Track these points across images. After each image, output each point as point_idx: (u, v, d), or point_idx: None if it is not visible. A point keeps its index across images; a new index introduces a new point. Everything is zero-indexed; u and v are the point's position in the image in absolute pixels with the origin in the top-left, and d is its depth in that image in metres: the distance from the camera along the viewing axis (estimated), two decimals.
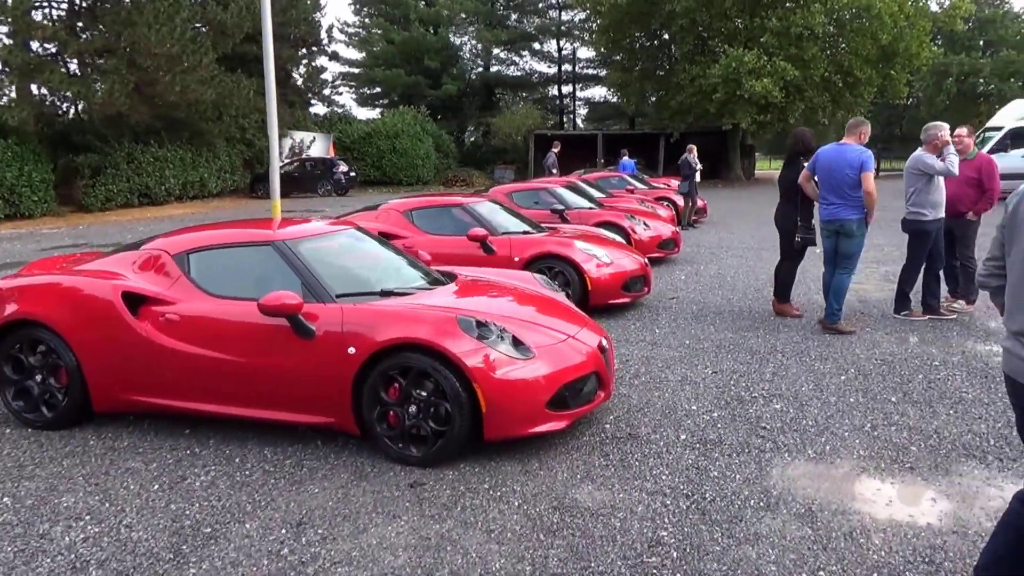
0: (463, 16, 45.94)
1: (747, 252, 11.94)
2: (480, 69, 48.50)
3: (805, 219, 6.87)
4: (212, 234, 4.58)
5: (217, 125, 27.89)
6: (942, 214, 6.73)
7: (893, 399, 4.78)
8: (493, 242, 7.43)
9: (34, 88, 22.49)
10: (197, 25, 27.17)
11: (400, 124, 36.50)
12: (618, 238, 8.94)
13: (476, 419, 3.82)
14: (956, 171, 6.50)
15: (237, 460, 4.04)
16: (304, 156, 33.12)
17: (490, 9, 46.23)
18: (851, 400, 4.78)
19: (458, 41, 47.16)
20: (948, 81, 43.04)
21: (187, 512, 3.45)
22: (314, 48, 37.36)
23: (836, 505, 3.37)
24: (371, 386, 3.91)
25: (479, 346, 3.80)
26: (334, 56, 41.89)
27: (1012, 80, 40.84)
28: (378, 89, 45.67)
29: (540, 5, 47.59)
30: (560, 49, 48.79)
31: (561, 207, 10.67)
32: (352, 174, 31.62)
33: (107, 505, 3.54)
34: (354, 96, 47.95)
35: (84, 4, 23.14)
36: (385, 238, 7.60)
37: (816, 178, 6.60)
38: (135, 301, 4.36)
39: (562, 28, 46.95)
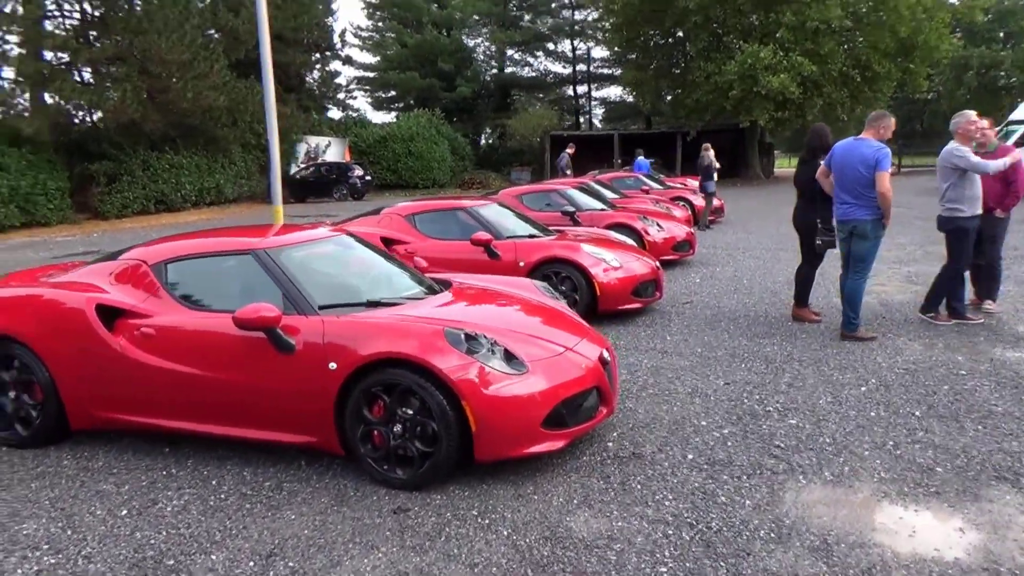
0: (476, 18, 45.83)
1: (765, 253, 11.59)
2: (494, 71, 48.33)
3: (825, 220, 6.54)
4: (192, 243, 4.36)
5: (232, 131, 27.88)
6: (979, 209, 6.34)
7: (917, 413, 4.46)
8: (497, 246, 7.17)
9: (48, 97, 22.58)
10: (210, 31, 27.25)
11: (415, 127, 36.38)
12: (630, 241, 8.64)
13: (466, 439, 3.57)
14: (994, 168, 6.13)
15: (214, 482, 3.81)
16: (319, 161, 33.09)
17: (503, 10, 46.01)
18: (872, 414, 4.47)
19: (471, 43, 47.07)
20: (969, 74, 42.24)
21: (152, 541, 3.22)
22: (327, 52, 37.35)
23: (854, 537, 3.07)
24: (354, 404, 3.66)
25: (468, 361, 3.54)
26: (348, 60, 41.96)
27: None
28: (393, 92, 45.61)
29: (553, 5, 47.30)
30: (574, 49, 48.54)
31: (572, 209, 10.43)
32: (368, 178, 31.52)
33: (69, 533, 3.32)
34: (369, 100, 47.96)
35: (96, 13, 23.20)
36: (387, 243, 7.43)
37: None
38: (112, 314, 4.15)
39: (576, 28, 46.66)
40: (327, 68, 38.14)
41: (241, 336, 3.77)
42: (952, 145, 6.32)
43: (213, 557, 3.07)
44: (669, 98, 37.70)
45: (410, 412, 3.59)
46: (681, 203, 15.26)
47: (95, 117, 26.10)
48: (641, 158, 19.74)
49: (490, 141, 48.03)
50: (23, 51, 20.43)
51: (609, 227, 10.03)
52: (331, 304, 3.97)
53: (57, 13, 23.33)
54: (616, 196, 13.69)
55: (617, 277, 7.03)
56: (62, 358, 4.14)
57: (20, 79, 20.89)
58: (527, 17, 47.78)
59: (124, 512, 3.51)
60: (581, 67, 49.07)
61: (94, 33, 23.26)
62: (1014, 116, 21.75)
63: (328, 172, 30.91)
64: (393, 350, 3.55)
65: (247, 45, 26.90)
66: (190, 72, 22.11)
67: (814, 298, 7.39)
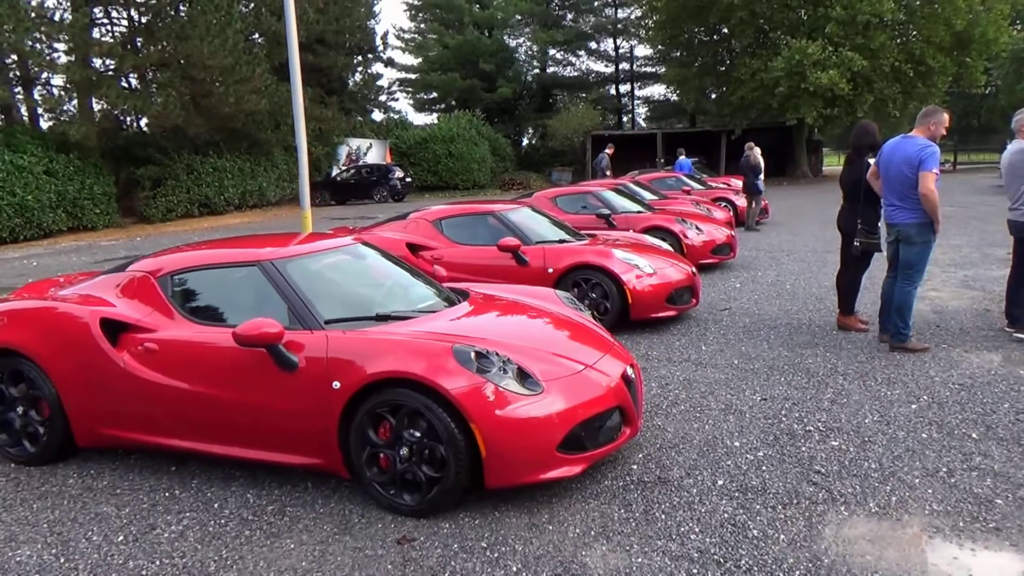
0: (518, 18, 45.63)
1: (810, 256, 11.14)
2: (536, 71, 48.14)
3: (868, 222, 6.15)
4: (198, 254, 4.21)
5: (275, 134, 28.13)
6: None
7: (974, 435, 4.09)
8: (526, 252, 6.93)
9: (95, 103, 23.02)
10: (254, 36, 27.53)
11: (455, 128, 36.37)
12: (665, 245, 8.32)
13: (476, 464, 3.33)
14: None
15: (216, 505, 3.64)
16: (360, 163, 33.25)
17: (545, 9, 45.76)
18: (923, 436, 4.11)
19: (513, 43, 46.90)
20: None
21: (144, 572, 3.05)
22: (369, 55, 37.52)
23: None
24: (359, 425, 3.46)
25: (478, 381, 3.31)
26: (390, 62, 42.19)
27: None
28: (434, 94, 45.72)
29: (596, 4, 46.88)
30: (617, 48, 48.06)
31: (607, 212, 10.13)
32: (408, 180, 31.55)
33: (62, 561, 3.17)
34: (411, 101, 48.14)
35: (143, 20, 23.58)
36: (413, 249, 7.25)
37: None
38: (117, 328, 4.02)
39: (618, 26, 46.18)
40: (369, 70, 38.35)
41: (243, 352, 3.59)
42: (1019, 143, 5.83)
43: None
44: (713, 96, 37.05)
45: (417, 435, 3.37)
46: (723, 204, 14.86)
47: (142, 123, 26.63)
48: (683, 158, 19.31)
49: (532, 141, 47.82)
50: (71, 58, 20.82)
51: (645, 230, 9.73)
52: (338, 318, 3.77)
53: (105, 20, 23.81)
54: (655, 197, 13.35)
55: (650, 284, 6.73)
56: (67, 373, 4.02)
57: (68, 86, 21.31)
58: (569, 16, 47.45)
59: (120, 538, 3.35)
60: (624, 66, 48.60)
61: (140, 40, 23.65)
62: None
63: (368, 174, 31.01)
64: (398, 369, 3.34)
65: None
66: (232, 77, 22.32)
67: (863, 305, 7.00)
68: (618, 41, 47.55)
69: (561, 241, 7.35)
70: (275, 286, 3.83)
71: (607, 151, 19.51)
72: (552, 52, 47.85)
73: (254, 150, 27.80)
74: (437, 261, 7.17)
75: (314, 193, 30.55)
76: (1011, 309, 6.13)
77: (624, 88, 49.62)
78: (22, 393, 4.21)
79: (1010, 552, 2.94)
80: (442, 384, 3.27)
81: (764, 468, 3.78)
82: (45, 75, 22.64)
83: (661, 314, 6.81)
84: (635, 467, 3.87)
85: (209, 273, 4.11)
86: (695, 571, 2.89)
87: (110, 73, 22.85)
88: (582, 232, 7.94)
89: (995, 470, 3.64)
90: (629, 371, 3.89)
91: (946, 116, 5.68)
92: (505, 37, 46.03)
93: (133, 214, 24.19)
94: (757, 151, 15.60)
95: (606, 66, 49.11)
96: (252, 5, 26.92)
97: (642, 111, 51.64)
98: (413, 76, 45.77)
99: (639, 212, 10.66)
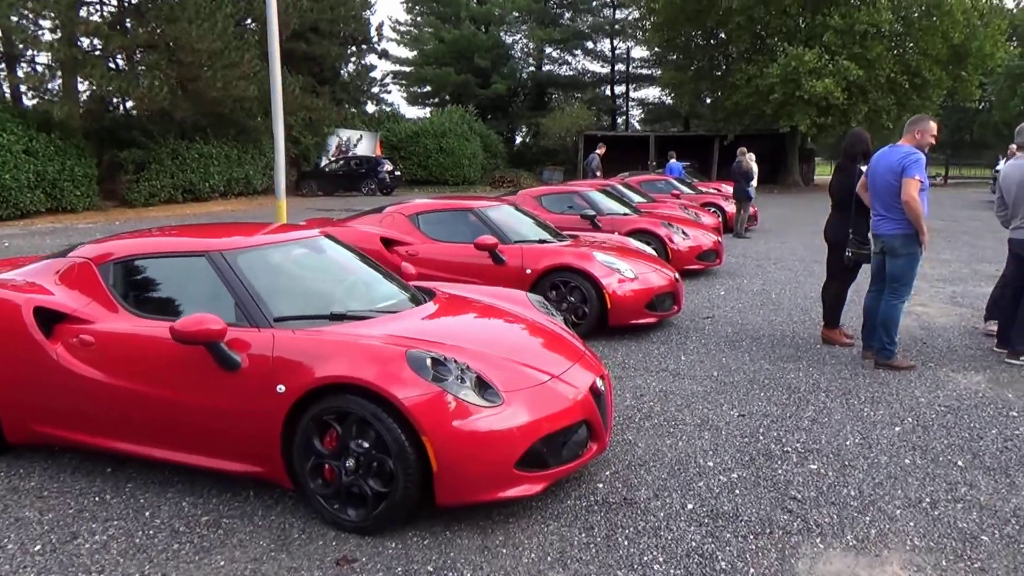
0: (515, 14, 45.34)
1: (798, 265, 10.94)
2: (532, 68, 47.85)
3: (860, 232, 5.94)
4: (143, 242, 3.94)
5: (263, 122, 27.66)
6: None
7: (959, 462, 3.88)
8: (504, 251, 6.69)
9: (80, 83, 22.59)
10: (248, 22, 27.12)
11: (447, 123, 36.04)
12: (649, 249, 8.09)
13: (427, 479, 3.09)
14: None
15: (147, 513, 3.37)
16: (350, 154, 32.89)
17: (543, 7, 45.47)
18: (906, 462, 3.89)
19: (509, 40, 46.60)
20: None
21: None
22: (363, 46, 37.11)
23: None
24: (303, 433, 3.20)
25: (432, 389, 3.06)
26: (384, 54, 41.67)
27: None
28: (428, 88, 45.36)
29: (594, 3, 46.62)
30: (614, 48, 47.83)
31: (592, 213, 9.90)
32: (397, 173, 31.21)
33: None
34: (404, 95, 47.72)
35: (133, 1, 23.16)
36: (388, 244, 6.99)
37: None
38: (53, 317, 3.75)
39: (616, 27, 45.93)
40: (363, 62, 37.94)
41: (183, 349, 3.33)
42: None
43: None
44: (708, 100, 36.90)
45: (365, 445, 3.12)
46: (712, 209, 14.65)
47: (128, 105, 26.15)
48: (673, 161, 19.09)
49: (524, 139, 47.54)
50: (56, 36, 20.40)
51: (631, 233, 9.51)
52: (290, 316, 3.52)
53: (96, 0, 23.38)
54: (643, 200, 13.13)
55: (631, 289, 6.50)
56: None
57: (52, 64, 20.89)
58: (567, 15, 47.16)
59: (38, 547, 3.09)
60: (620, 67, 48.38)
61: (134, 21, 23.21)
62: None
63: (357, 166, 30.67)
64: (346, 374, 3.09)
65: (281, 36, 26.69)
66: (220, 61, 21.92)
67: (848, 319, 6.79)
68: (615, 42, 47.35)
69: (541, 241, 7.11)
70: (223, 279, 3.57)
71: (598, 151, 19.23)
72: (548, 50, 47.58)
73: (242, 137, 27.41)
74: (412, 257, 6.94)
75: (302, 183, 30.33)
76: (1006, 331, 5.91)
77: (619, 89, 49.42)
78: None
79: None
80: (393, 392, 3.02)
81: (737, 492, 3.55)
82: (30, 53, 22.18)
83: (641, 321, 6.58)
84: (601, 486, 3.64)
85: (154, 262, 3.84)
86: None
87: (97, 53, 22.43)
88: (564, 233, 7.71)
89: (981, 502, 3.42)
90: (599, 383, 3.65)
91: (933, 125, 5.50)
92: (501, 33, 45.72)
93: (115, 197, 23.76)
94: (751, 157, 15.41)
95: (602, 66, 48.92)
96: None
97: (637, 113, 51.51)
98: (407, 69, 45.38)
99: (625, 214, 10.43)
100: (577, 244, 7.14)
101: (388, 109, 40.45)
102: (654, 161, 34.34)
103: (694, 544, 3.07)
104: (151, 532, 3.21)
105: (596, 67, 49.01)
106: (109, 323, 3.64)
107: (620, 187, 13.14)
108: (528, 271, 6.61)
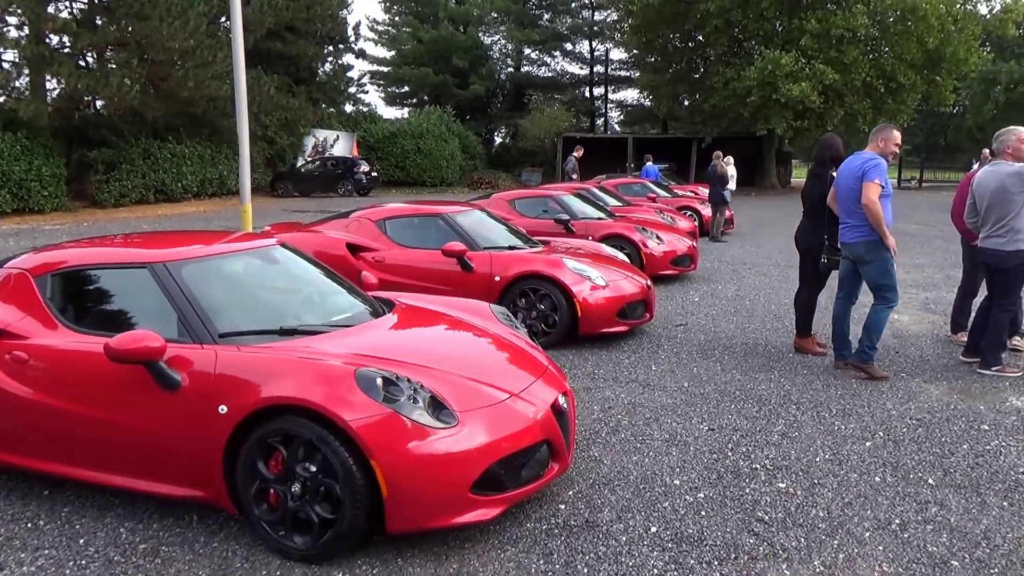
0: (494, 15, 45.18)
1: (773, 270, 10.89)
2: (510, 69, 47.74)
3: (833, 238, 5.87)
4: (84, 252, 3.75)
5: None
6: None
7: (930, 480, 3.79)
8: (472, 258, 6.54)
9: (49, 82, 22.13)
10: (222, 20, 26.73)
11: (425, 124, 35.80)
12: (621, 256, 7.98)
13: (377, 504, 2.93)
14: None
15: (82, 541, 3.19)
16: (327, 155, 32.56)
17: (521, 8, 45.36)
18: (876, 479, 3.79)
19: (488, 40, 46.42)
20: (997, 89, 41.02)
21: None
22: (340, 45, 36.79)
23: None
24: (247, 456, 3.04)
25: (381, 411, 2.91)
26: (361, 54, 41.23)
27: None
28: (406, 88, 45.11)
29: (573, 5, 46.59)
30: (592, 50, 47.80)
31: (566, 217, 9.79)
32: (374, 174, 30.94)
33: None
34: (382, 95, 47.40)
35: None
36: (354, 250, 6.82)
37: None
38: None
39: (595, 28, 45.93)
40: (339, 61, 37.60)
41: (121, 367, 3.15)
42: (1008, 164, 5.47)
43: None
44: (686, 103, 36.98)
45: (312, 469, 2.96)
46: (688, 213, 14.61)
47: (99, 104, 25.68)
48: (650, 164, 19.03)
49: (503, 141, 47.42)
50: (24, 33, 19.97)
51: (605, 237, 9.42)
52: (236, 332, 3.35)
53: None
54: (619, 203, 13.05)
55: (602, 297, 6.38)
56: None
57: (18, 61, 20.44)
58: (546, 16, 47.11)
59: None
60: (599, 68, 48.38)
61: (104, 19, 22.77)
62: None
63: (334, 167, 30.35)
64: (290, 395, 2.92)
65: (256, 34, 26.38)
66: (192, 60, 21.56)
67: (822, 327, 6.71)
68: (594, 43, 47.32)
69: (511, 248, 6.96)
70: (165, 292, 3.39)
71: (575, 154, 19.11)
72: (527, 51, 47.50)
73: (215, 137, 27.01)
74: (379, 263, 6.78)
75: (278, 184, 29.98)
76: (975, 340, 5.86)
77: (598, 91, 49.42)
78: None
79: None
80: (339, 414, 2.86)
81: (703, 513, 3.43)
82: None
83: (612, 329, 6.46)
84: (563, 507, 3.50)
85: (95, 274, 3.65)
86: None
87: (66, 51, 21.99)
88: (535, 239, 7.57)
89: (951, 524, 3.32)
90: (561, 400, 3.52)
91: (897, 134, 5.49)
92: (480, 34, 45.52)
93: (84, 198, 23.30)
94: (727, 160, 15.39)
95: (581, 68, 48.89)
96: None
97: (615, 115, 51.54)
98: (385, 69, 45.07)
99: (599, 219, 10.32)
100: (548, 251, 7.01)
101: (365, 109, 40.14)
102: (632, 163, 34.34)
103: (656, 571, 2.94)
104: (83, 562, 3.02)
105: (575, 69, 49.06)
106: (45, 339, 3.45)
107: (595, 190, 13.06)
108: (497, 278, 6.46)
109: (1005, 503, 3.53)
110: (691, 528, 3.29)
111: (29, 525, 3.33)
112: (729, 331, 7.09)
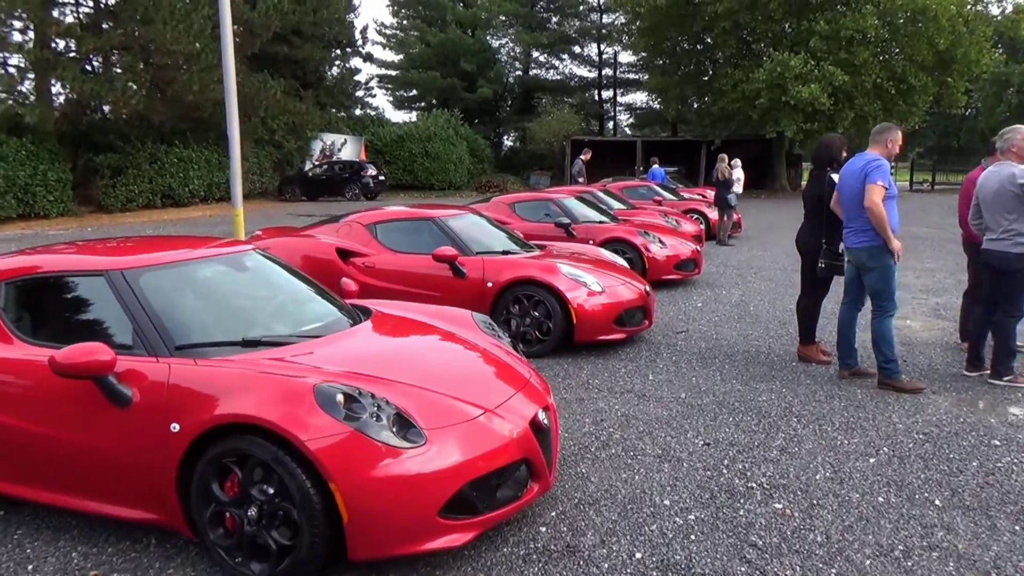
0: (502, 18, 45.07)
1: (779, 274, 10.64)
2: (518, 72, 47.60)
3: (833, 242, 5.64)
4: (40, 259, 3.56)
5: (245, 126, 27.25)
6: None
7: (937, 501, 3.55)
8: (464, 263, 6.34)
9: (54, 86, 22.13)
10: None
11: (433, 127, 35.68)
12: (621, 260, 7.76)
13: (339, 529, 2.74)
14: None
15: (31, 567, 3.01)
16: (334, 159, 32.49)
17: (530, 11, 45.22)
18: (879, 499, 3.56)
19: (496, 43, 46.30)
20: (1009, 91, 40.63)
21: None
22: (348, 49, 36.77)
23: None
24: (201, 477, 2.85)
25: (341, 430, 2.71)
26: (369, 58, 41.25)
27: None
28: (414, 92, 45.03)
29: (581, 8, 46.39)
30: (601, 53, 47.57)
31: (567, 221, 9.59)
32: (381, 178, 30.82)
33: None
34: (390, 98, 47.42)
35: (109, 3, 22.72)
36: (344, 255, 6.64)
37: None
38: None
39: (603, 31, 45.69)
40: (347, 65, 37.59)
41: (71, 381, 2.97)
42: (1010, 164, 5.23)
43: None
44: (695, 105, 36.69)
45: (270, 491, 2.77)
46: (694, 216, 14.35)
47: (105, 108, 25.70)
48: (656, 167, 18.81)
49: (512, 144, 47.27)
50: (28, 38, 19.98)
51: (607, 242, 9.21)
52: (195, 343, 3.16)
53: (71, 0, 22.91)
54: (624, 207, 12.84)
55: (598, 304, 6.17)
56: None
57: (21, 66, 20.44)
58: (554, 19, 46.92)
59: None
60: (607, 71, 48.13)
61: (110, 23, 22.76)
62: None
63: (341, 171, 30.27)
64: (243, 412, 2.73)
65: (262, 39, 26.36)
66: (197, 64, 21.52)
67: (826, 334, 6.48)
68: (602, 46, 47.06)
69: (505, 252, 6.77)
70: (120, 301, 3.20)
71: (582, 157, 18.91)
72: (535, 54, 47.30)
73: (222, 142, 26.84)
74: (369, 269, 6.60)
75: (285, 188, 29.92)
76: (977, 350, 5.61)
77: (607, 94, 49.17)
78: None
79: None
80: (295, 433, 2.67)
81: (693, 537, 3.21)
82: (2, 55, 21.72)
83: (608, 337, 6.25)
84: (543, 529, 3.29)
85: (51, 282, 3.47)
86: None
87: (72, 55, 21.98)
88: (532, 243, 7.37)
89: (959, 551, 3.09)
90: (541, 416, 3.31)
91: (899, 134, 5.29)
92: (488, 37, 45.40)
93: (91, 203, 23.30)
94: (736, 163, 15.16)
95: (589, 71, 48.67)
96: None
97: (624, 118, 51.29)
98: (393, 73, 45.06)
99: (601, 222, 10.11)
100: (543, 256, 6.80)
101: (373, 113, 40.11)
102: (640, 167, 34.08)
103: None
104: None
105: (583, 71, 48.84)
106: None
107: (599, 193, 12.85)
108: (489, 284, 6.27)
109: (1017, 527, 3.29)
110: (679, 554, 3.07)
111: None
112: (731, 338, 6.86)
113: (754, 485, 3.73)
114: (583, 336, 6.13)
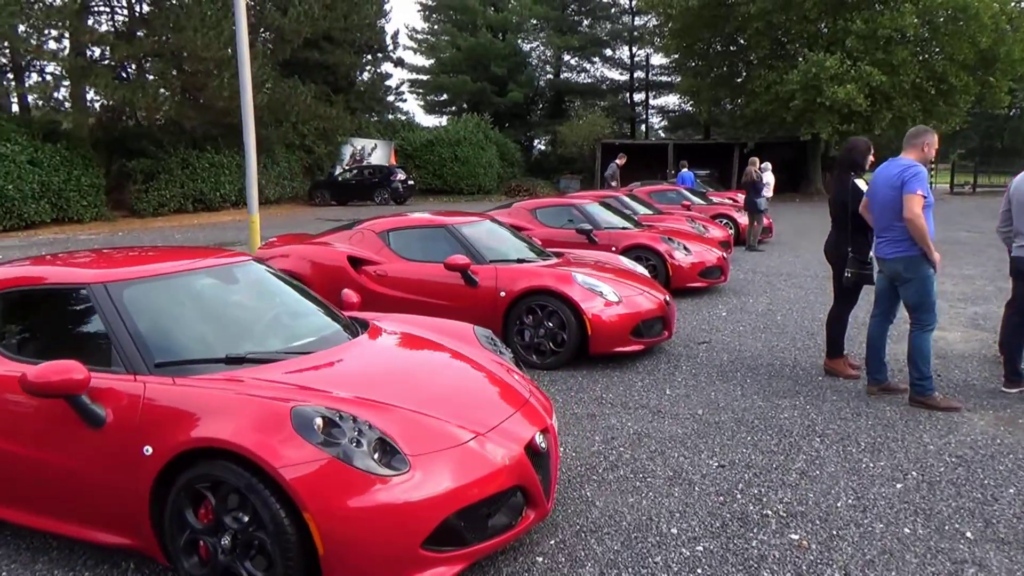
0: (533, 22, 44.93)
1: (810, 282, 10.30)
2: (549, 76, 47.42)
3: (859, 250, 5.37)
4: (23, 270, 3.47)
5: (275, 131, 27.52)
6: None
7: (968, 533, 3.29)
8: (476, 272, 6.17)
9: (89, 93, 22.50)
10: (262, 32, 26.93)
11: (463, 131, 35.67)
12: (641, 268, 7.53)
13: (314, 560, 2.58)
14: None
15: None
16: (364, 163, 32.61)
17: (560, 14, 45.03)
18: (906, 531, 3.31)
19: (527, 47, 46.18)
20: None
21: None
22: (379, 54, 36.92)
23: None
24: (174, 503, 2.71)
25: (319, 456, 2.55)
26: (400, 63, 41.35)
27: None
28: (444, 96, 45.10)
29: (612, 10, 46.09)
30: (632, 55, 47.18)
31: (588, 227, 9.37)
32: (411, 183, 30.82)
33: None
34: (421, 103, 47.55)
35: (144, 10, 23.05)
36: (355, 263, 6.53)
37: None
38: None
39: (635, 34, 45.33)
40: (378, 70, 37.75)
41: (45, 399, 2.85)
42: None
43: None
44: (728, 108, 36.18)
45: (245, 519, 2.62)
46: (723, 221, 14.04)
47: (139, 115, 26.09)
48: (685, 170, 18.49)
49: (543, 148, 47.09)
50: (60, 45, 20.36)
51: (629, 248, 9.00)
52: (175, 361, 3.03)
53: (105, 8, 23.31)
54: (650, 212, 12.58)
55: (615, 314, 5.95)
56: None
57: (58, 73, 20.82)
58: (585, 22, 46.67)
59: None
60: (639, 74, 47.74)
61: (143, 31, 23.09)
62: None
63: (371, 175, 30.35)
64: (216, 436, 2.59)
65: (293, 44, 26.55)
66: (228, 70, 21.70)
67: (856, 347, 6.18)
68: (634, 49, 46.68)
69: (520, 260, 6.58)
70: (101, 315, 3.09)
71: (617, 161, 18.60)
72: (566, 58, 47.09)
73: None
74: (380, 278, 6.48)
75: (315, 192, 30.08)
76: (1015, 363, 5.29)
77: (639, 97, 48.76)
78: None
79: None
80: (268, 460, 2.52)
81: (699, 571, 3.00)
82: (39, 63, 22.16)
83: (625, 348, 6.03)
84: (540, 559, 3.10)
85: (34, 295, 3.38)
86: None
87: (106, 62, 22.33)
88: (549, 251, 7.17)
89: None
90: (539, 439, 3.12)
91: (935, 137, 5.01)
92: (519, 41, 45.30)
93: (123, 207, 23.62)
94: (766, 166, 14.80)
95: (621, 74, 48.31)
96: None
97: (656, 121, 50.81)
98: (424, 77, 45.15)
99: (624, 228, 9.88)
100: (559, 264, 6.61)
101: (403, 118, 40.20)
102: (672, 170, 33.67)
103: None
104: None
105: (615, 74, 48.51)
106: None
107: (625, 198, 12.62)
108: (502, 293, 6.09)
109: None
110: None
111: None
112: (756, 350, 6.60)
113: (769, 513, 3.50)
114: (599, 347, 5.92)
